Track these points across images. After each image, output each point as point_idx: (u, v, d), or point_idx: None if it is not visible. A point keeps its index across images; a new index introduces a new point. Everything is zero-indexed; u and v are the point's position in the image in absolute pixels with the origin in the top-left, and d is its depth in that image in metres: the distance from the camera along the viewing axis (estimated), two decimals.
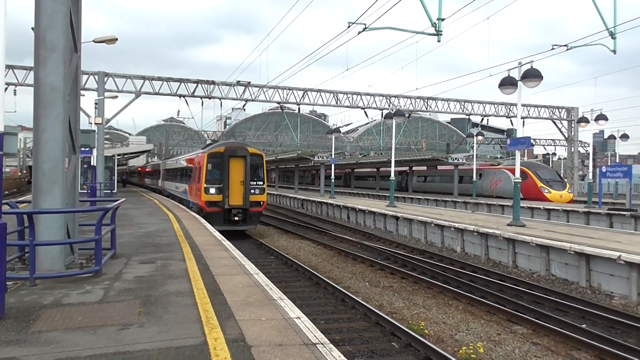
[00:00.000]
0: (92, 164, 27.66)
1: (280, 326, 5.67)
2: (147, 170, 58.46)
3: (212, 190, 20.95)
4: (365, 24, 14.66)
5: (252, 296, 7.03)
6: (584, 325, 9.86)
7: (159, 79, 36.39)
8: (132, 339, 5.23)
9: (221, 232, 15.80)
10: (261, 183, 21.66)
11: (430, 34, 15.17)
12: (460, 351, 8.17)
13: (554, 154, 73.70)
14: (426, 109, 44.61)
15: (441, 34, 15.09)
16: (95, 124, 25.30)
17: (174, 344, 5.05)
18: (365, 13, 14.32)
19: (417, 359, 8.08)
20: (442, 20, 14.82)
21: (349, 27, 14.90)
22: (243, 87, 37.65)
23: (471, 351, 8.00)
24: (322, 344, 5.12)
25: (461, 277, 14.27)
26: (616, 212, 24.73)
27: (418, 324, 9.61)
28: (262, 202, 21.78)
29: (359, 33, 14.99)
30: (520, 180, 18.57)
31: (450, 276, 14.17)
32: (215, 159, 21.24)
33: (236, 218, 20.93)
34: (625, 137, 41.94)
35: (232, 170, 20.82)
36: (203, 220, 18.18)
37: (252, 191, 21.24)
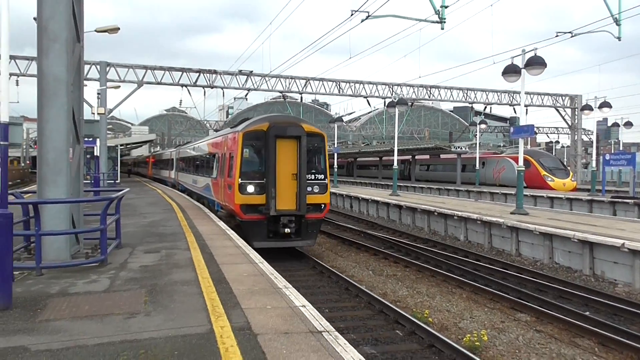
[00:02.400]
0: (95, 154, 27.71)
1: (286, 314, 5.71)
2: (156, 159, 50.70)
3: (251, 189, 14.08)
4: (368, 12, 14.62)
5: (257, 285, 7.07)
6: (587, 313, 9.90)
7: (161, 68, 36.35)
8: (139, 327, 5.27)
9: (262, 250, 12.17)
10: (322, 177, 14.77)
11: (433, 22, 15.12)
12: (464, 339, 8.20)
13: (557, 142, 73.62)
14: (429, 97, 44.50)
15: (445, 22, 15.01)
16: (97, 114, 25.31)
17: (181, 332, 5.09)
18: (368, 1, 14.26)
19: (422, 347, 8.12)
20: (446, 7, 14.76)
21: (352, 15, 14.87)
22: (245, 77, 37.59)
23: (475, 339, 8.04)
24: (328, 331, 5.15)
25: (465, 265, 14.30)
26: (619, 200, 24.67)
27: (422, 312, 9.65)
28: (323, 205, 14.80)
29: (362, 21, 14.93)
30: (523, 169, 18.54)
31: (453, 264, 14.21)
32: (254, 140, 14.37)
33: (287, 230, 14.01)
34: (629, 124, 41.86)
35: (280, 157, 13.95)
36: (207, 210, 18.18)
37: (310, 189, 14.37)
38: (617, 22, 15.93)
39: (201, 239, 11.28)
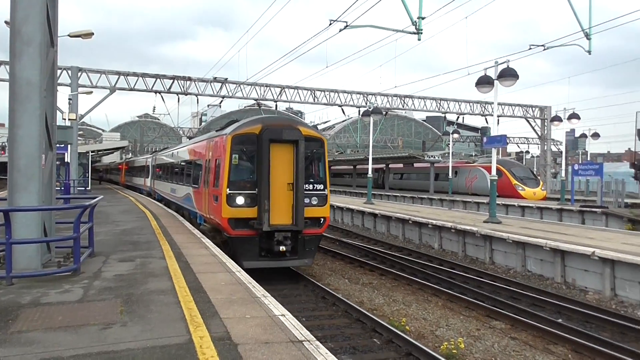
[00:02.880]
0: (66, 160, 27.16)
1: (266, 324, 5.65)
2: (130, 166, 48.07)
3: (240, 200, 12.48)
4: (346, 22, 14.71)
5: (235, 294, 6.99)
6: (560, 320, 10.07)
7: (134, 74, 35.91)
8: (116, 338, 5.15)
9: (251, 271, 10.66)
10: (322, 187, 13.19)
11: (410, 33, 15.33)
12: (441, 347, 8.25)
13: (527, 151, 75.00)
14: (403, 107, 44.91)
15: (421, 32, 15.23)
16: (69, 120, 24.81)
17: (159, 343, 4.99)
18: (346, 12, 14.35)
19: (399, 355, 8.14)
20: (423, 19, 14.97)
21: (330, 24, 14.94)
22: (220, 84, 37.39)
23: (452, 347, 8.09)
24: (309, 341, 5.12)
25: (440, 273, 14.41)
26: (588, 209, 25.24)
27: (399, 320, 9.68)
28: (322, 219, 13.17)
29: (340, 30, 15.02)
30: (496, 178, 18.84)
31: (429, 273, 14.31)
32: (245, 144, 12.77)
33: (282, 247, 12.40)
34: (596, 135, 42.98)
35: (274, 164, 12.37)
36: (182, 218, 17.94)
37: (308, 200, 12.79)
38: (587, 36, 16.39)
39: (176, 247, 11.12)
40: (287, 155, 12.54)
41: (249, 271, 9.69)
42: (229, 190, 12.43)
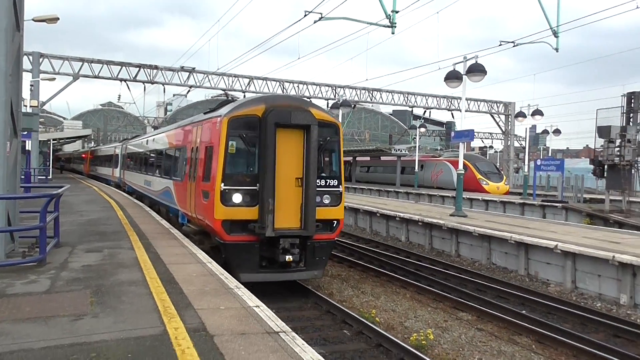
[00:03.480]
0: (26, 148, 26.38)
1: (241, 315, 5.64)
2: (95, 155, 45.19)
3: (238, 198, 10.26)
4: (321, 13, 14.71)
5: (208, 285, 6.95)
6: (523, 312, 10.35)
7: (99, 61, 35.03)
8: (88, 329, 5.06)
9: (250, 285, 8.49)
10: (335, 183, 11.10)
11: (384, 26, 15.42)
12: (411, 338, 8.39)
13: (491, 147, 76.39)
14: (371, 100, 45.17)
15: (395, 26, 15.35)
16: (30, 106, 24.08)
17: (133, 334, 4.93)
18: (321, 4, 14.33)
19: (370, 346, 8.24)
20: (397, 12, 15.08)
21: (305, 15, 14.88)
22: (187, 73, 36.86)
23: (422, 337, 8.24)
24: (285, 332, 5.13)
25: (407, 266, 14.62)
26: (549, 203, 25.93)
27: (369, 312, 9.79)
28: (335, 222, 11.08)
29: (314, 22, 14.99)
30: (463, 172, 19.18)
31: (396, 265, 14.49)
32: (244, 129, 10.48)
33: (288, 257, 10.22)
34: (557, 132, 44.05)
35: (280, 154, 10.22)
36: (148, 208, 17.65)
37: (319, 199, 10.69)
38: (555, 34, 16.82)
39: (145, 238, 10.95)
40: (295, 144, 10.36)
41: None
42: (224, 185, 10.20)
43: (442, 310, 10.55)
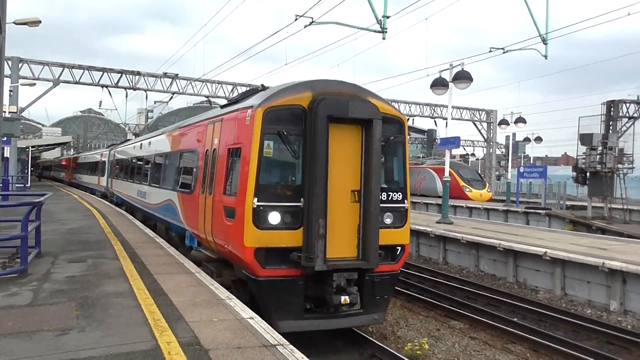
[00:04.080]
0: (5, 155, 25.78)
1: (235, 327, 5.44)
2: (78, 162, 42.02)
3: (275, 218, 7.67)
4: (312, 18, 14.61)
5: (198, 296, 6.72)
6: (515, 319, 10.27)
7: (80, 67, 34.41)
8: (74, 345, 4.82)
9: (289, 335, 6.12)
10: (400, 196, 8.57)
11: (375, 31, 15.37)
12: (405, 347, 8.23)
13: (473, 154, 77.00)
14: None
15: (386, 31, 15.31)
16: (9, 112, 23.56)
17: (123, 350, 4.70)
18: (311, 9, 14.25)
19: (363, 357, 8.07)
20: (388, 17, 15.05)
21: (296, 19, 14.75)
22: (170, 80, 36.45)
23: (417, 347, 8.09)
24: (283, 345, 4.95)
25: None
26: (532, 210, 26.09)
27: None
28: (400, 249, 8.52)
29: (305, 26, 14.88)
30: (449, 179, 19.19)
31: None
32: (285, 124, 7.84)
33: (344, 297, 7.54)
34: (539, 139, 44.61)
35: (333, 158, 7.65)
36: (131, 217, 17.29)
37: (379, 218, 7.98)
38: (544, 41, 16.96)
39: (129, 247, 10.66)
40: (351, 145, 7.88)
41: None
42: (257, 201, 7.55)
43: (434, 318, 10.43)
